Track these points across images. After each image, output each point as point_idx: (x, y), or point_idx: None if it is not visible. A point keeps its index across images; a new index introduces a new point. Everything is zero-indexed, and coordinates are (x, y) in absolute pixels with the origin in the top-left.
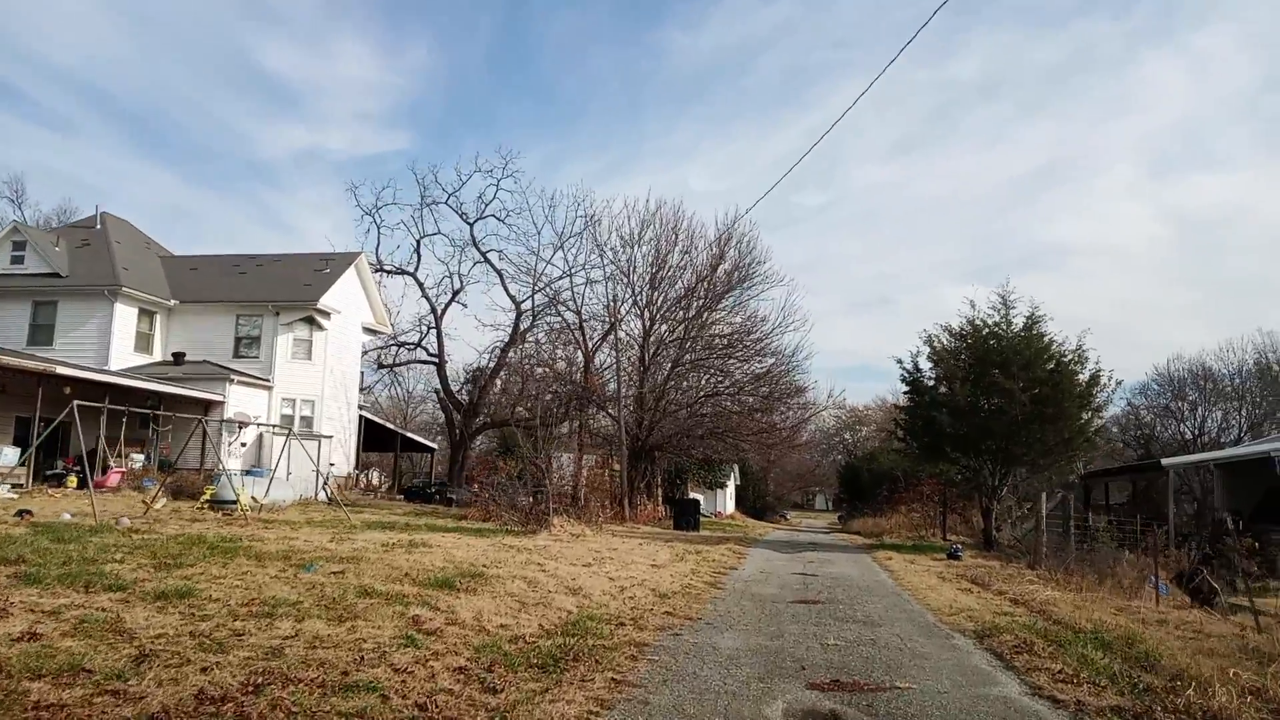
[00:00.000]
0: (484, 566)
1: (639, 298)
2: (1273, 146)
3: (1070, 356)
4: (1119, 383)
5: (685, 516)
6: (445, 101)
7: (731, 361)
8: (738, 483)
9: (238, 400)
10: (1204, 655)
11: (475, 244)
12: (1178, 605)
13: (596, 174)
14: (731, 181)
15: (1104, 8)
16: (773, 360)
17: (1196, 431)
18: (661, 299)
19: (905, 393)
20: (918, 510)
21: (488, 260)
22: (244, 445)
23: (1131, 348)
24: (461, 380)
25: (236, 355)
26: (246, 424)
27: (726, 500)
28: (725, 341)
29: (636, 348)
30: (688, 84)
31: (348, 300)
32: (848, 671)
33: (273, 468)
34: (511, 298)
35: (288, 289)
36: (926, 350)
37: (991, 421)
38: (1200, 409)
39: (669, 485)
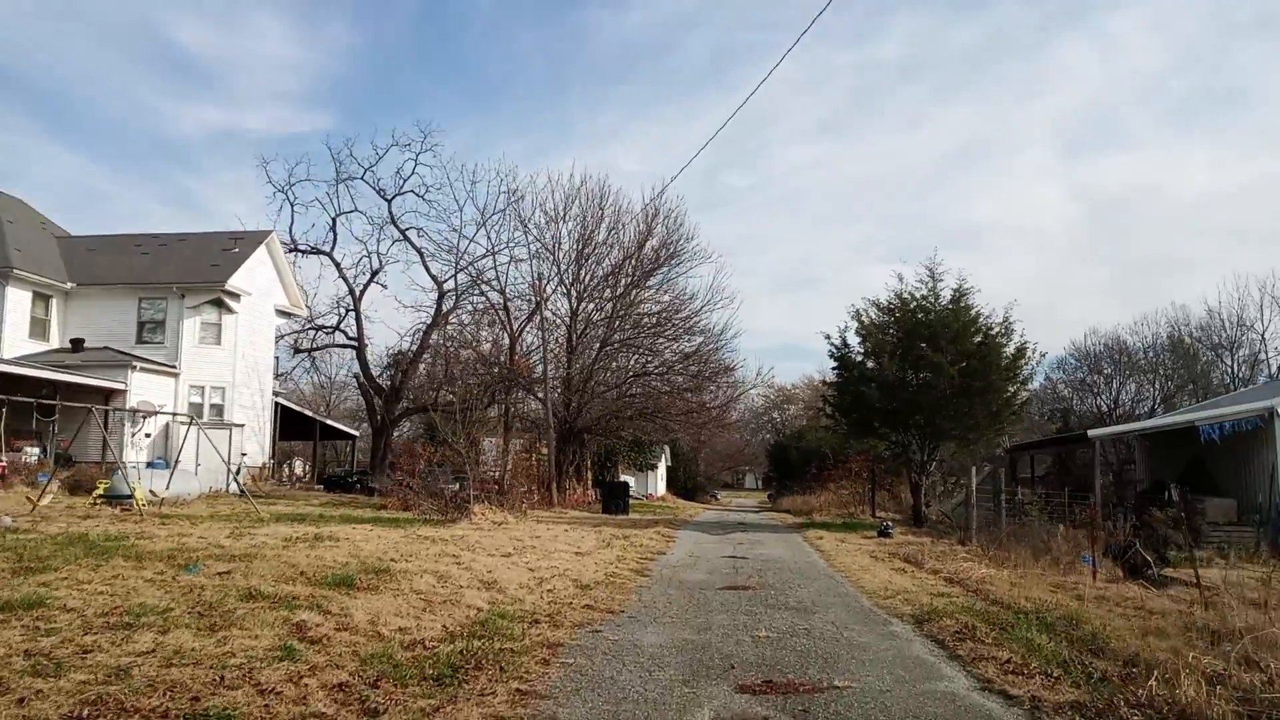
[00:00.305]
0: (392, 561)
1: (565, 276)
2: (1179, 127)
3: (997, 329)
4: (1043, 355)
5: (614, 500)
6: (367, 80)
7: (660, 340)
8: (669, 464)
9: (141, 388)
10: (1154, 636)
11: (394, 221)
12: (1111, 579)
13: (522, 155)
14: (660, 163)
15: None
16: (701, 339)
17: (1112, 404)
18: (589, 277)
19: (834, 369)
20: (846, 487)
21: (407, 238)
22: (149, 436)
23: (1050, 325)
24: (383, 364)
25: (140, 341)
26: (149, 413)
27: (658, 482)
28: (654, 320)
29: (563, 328)
30: (613, 64)
31: (259, 281)
32: (781, 669)
33: (179, 459)
34: (433, 277)
35: (194, 270)
36: (855, 325)
37: (920, 396)
38: (1115, 382)
39: (599, 468)
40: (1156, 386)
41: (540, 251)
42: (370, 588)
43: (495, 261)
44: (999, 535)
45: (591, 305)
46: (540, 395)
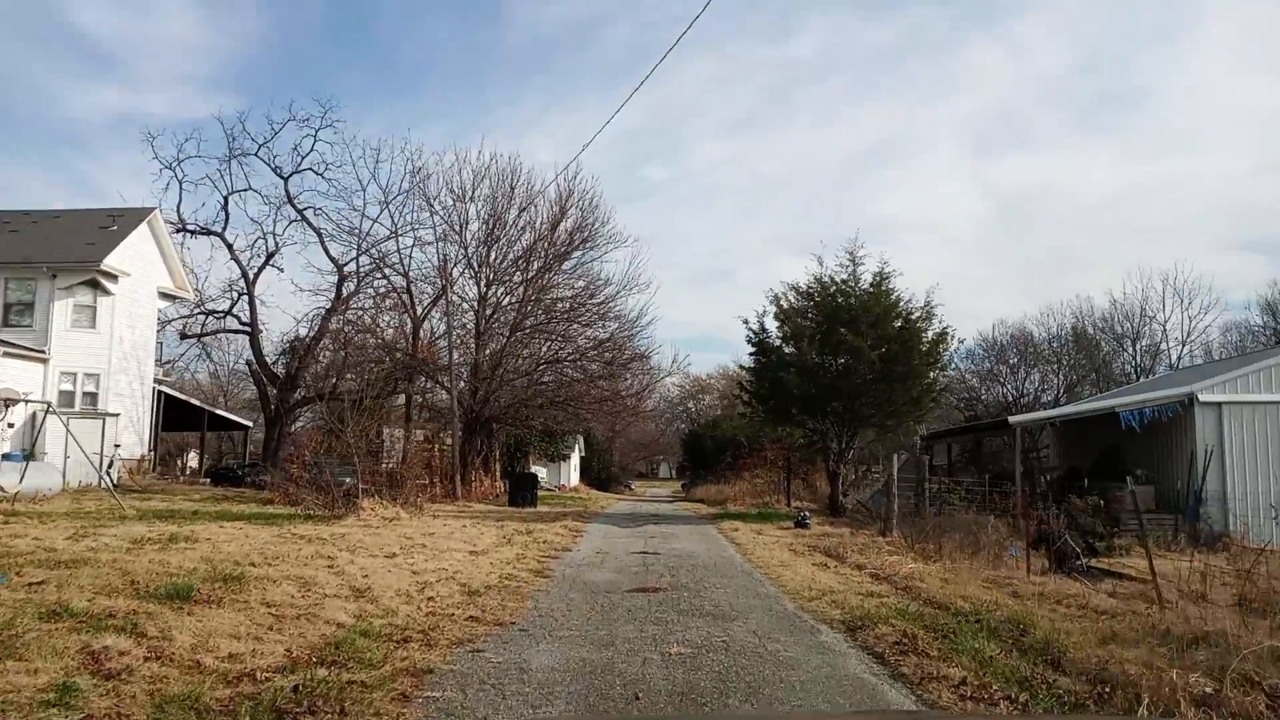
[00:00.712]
0: (252, 565)
1: (473, 259)
2: (1080, 128)
3: (918, 313)
4: (961, 341)
5: (521, 492)
6: (276, 65)
7: (574, 326)
8: (583, 454)
9: (5, 375)
10: (1115, 644)
11: (291, 201)
12: (1040, 572)
13: (439, 143)
14: (577, 153)
15: None
16: (616, 325)
17: (1018, 394)
18: (500, 259)
19: (752, 354)
20: (761, 476)
21: (305, 218)
22: (11, 426)
23: (959, 318)
24: (279, 351)
25: (6, 324)
26: (11, 401)
27: (571, 472)
28: (567, 305)
29: (471, 313)
30: (531, 54)
31: (140, 262)
32: (697, 696)
33: (46, 451)
34: (333, 260)
35: (67, 248)
36: (773, 310)
37: (839, 382)
38: (1021, 372)
39: (509, 459)
40: (1060, 376)
41: (447, 233)
42: (212, 600)
43: (398, 243)
44: (923, 526)
45: (501, 289)
46: (445, 383)
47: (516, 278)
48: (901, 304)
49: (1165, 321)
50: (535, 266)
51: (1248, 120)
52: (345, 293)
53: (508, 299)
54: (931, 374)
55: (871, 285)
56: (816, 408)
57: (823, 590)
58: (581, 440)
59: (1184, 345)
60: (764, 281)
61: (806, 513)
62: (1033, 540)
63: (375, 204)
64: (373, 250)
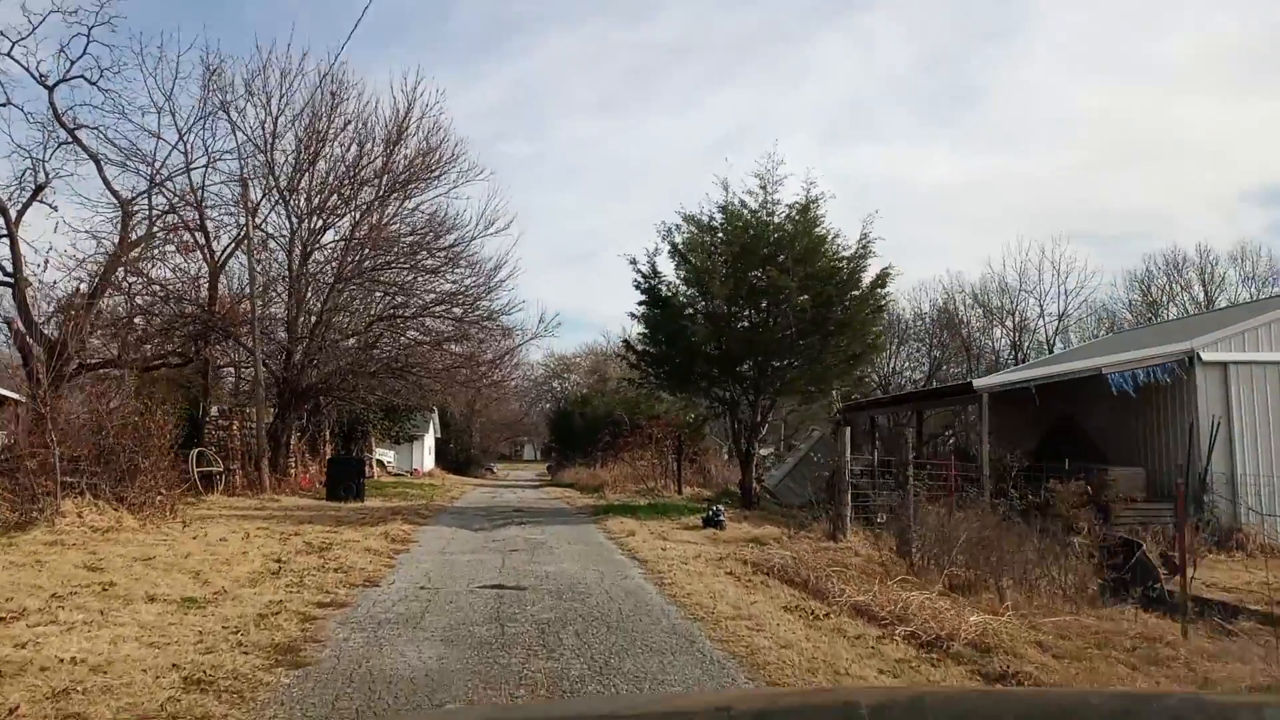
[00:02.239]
0: None
1: (282, 183)
2: (923, 122)
3: (855, 248)
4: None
5: (343, 482)
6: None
7: (417, 278)
8: (438, 435)
9: None
10: None
11: (59, 117)
12: (1111, 608)
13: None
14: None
15: None
16: (469, 274)
17: (889, 371)
18: (319, 188)
19: (640, 303)
20: (644, 458)
21: (77, 139)
22: None
23: None
24: (51, 310)
25: None
26: None
27: (424, 455)
28: (408, 247)
29: (282, 253)
30: (385, 25)
31: None
32: None
33: None
34: (114, 193)
35: None
36: (666, 248)
37: (756, 335)
38: (889, 349)
39: (344, 441)
40: (928, 354)
41: (251, 152)
42: None
43: (189, 161)
44: (904, 527)
45: (320, 222)
46: (247, 343)
47: (341, 211)
48: (832, 237)
49: (1043, 297)
50: (364, 196)
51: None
52: (134, 235)
53: (331, 238)
54: (875, 325)
55: (796, 213)
56: (726, 369)
57: (832, 672)
58: (436, 420)
59: (1059, 321)
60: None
61: (720, 507)
62: (1107, 556)
63: (170, 125)
64: (162, 178)
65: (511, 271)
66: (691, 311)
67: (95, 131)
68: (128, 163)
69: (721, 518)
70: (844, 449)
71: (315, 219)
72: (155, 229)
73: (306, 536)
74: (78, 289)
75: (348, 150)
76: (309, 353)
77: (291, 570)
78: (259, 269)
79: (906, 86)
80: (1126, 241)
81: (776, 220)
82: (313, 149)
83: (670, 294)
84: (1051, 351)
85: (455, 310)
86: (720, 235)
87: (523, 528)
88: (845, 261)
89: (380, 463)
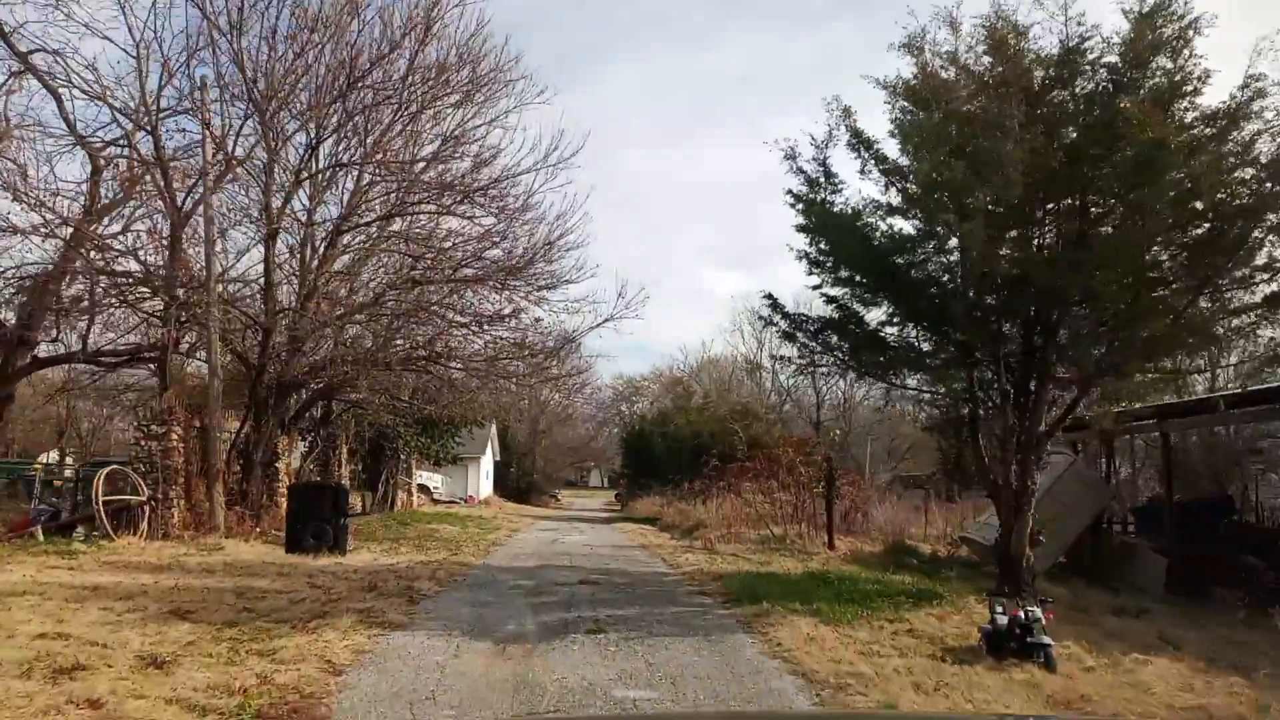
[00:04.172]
0: None
1: (258, 96)
2: None
3: (1234, 100)
4: None
5: (311, 522)
6: None
7: (450, 222)
8: (497, 458)
9: None
10: None
11: (4, 38)
12: None
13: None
14: None
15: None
16: (524, 227)
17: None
18: (306, 98)
19: (800, 227)
20: (765, 492)
21: (29, 66)
22: None
23: None
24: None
25: None
26: None
27: (480, 480)
28: (436, 172)
29: (258, 189)
30: None
31: None
32: None
33: None
34: (78, 137)
35: None
36: (845, 134)
37: (1078, 257)
38: None
39: (371, 461)
40: None
41: (211, 43)
42: None
43: (142, 79)
44: None
45: (311, 142)
46: (198, 310)
47: (340, 126)
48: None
49: None
50: (385, 120)
51: None
52: (104, 194)
53: (328, 171)
54: None
55: (1131, 29)
56: (998, 328)
57: None
58: (495, 440)
59: None
60: (687, 293)
61: (1034, 614)
62: None
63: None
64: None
65: (582, 218)
66: (915, 228)
67: (55, 57)
68: (93, 86)
69: (1043, 641)
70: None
71: (305, 138)
72: (105, 169)
73: (147, 644)
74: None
75: (354, 44)
76: (295, 330)
77: None
78: (224, 211)
79: None
80: None
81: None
82: (302, 39)
83: (875, 208)
84: None
85: (498, 257)
86: (963, 91)
87: (598, 641)
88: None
89: (425, 489)
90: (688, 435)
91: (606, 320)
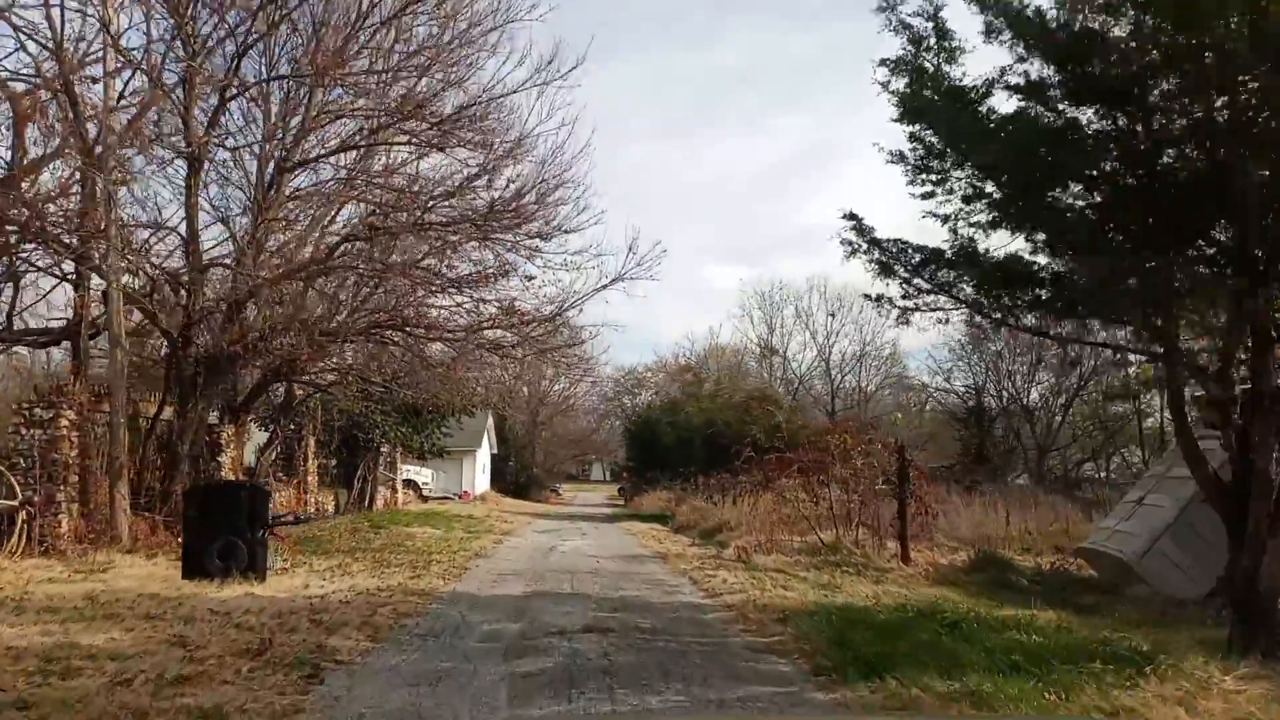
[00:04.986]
0: None
1: None
2: None
3: None
4: None
5: (216, 534)
6: None
7: (421, 130)
8: (494, 451)
9: None
10: None
11: None
12: None
13: None
14: None
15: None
16: (511, 160)
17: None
18: None
19: (902, 111)
20: (804, 489)
21: None
22: None
23: None
24: None
25: None
26: None
27: (476, 475)
28: (402, 87)
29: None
30: None
31: None
32: None
33: None
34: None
35: None
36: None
37: None
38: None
39: (347, 455)
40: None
41: None
42: None
43: None
44: None
45: (238, 46)
46: (77, 247)
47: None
48: None
49: None
50: (327, 25)
51: None
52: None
53: (262, 85)
54: None
55: None
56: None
57: None
58: (492, 433)
59: None
60: (689, 289)
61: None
62: None
63: None
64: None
65: (582, 148)
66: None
67: None
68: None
69: None
70: None
71: (234, 46)
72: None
73: None
74: None
75: None
76: (231, 296)
77: None
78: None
79: None
80: None
81: None
82: None
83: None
84: None
85: (480, 200)
86: None
87: None
88: None
89: (413, 485)
90: (699, 424)
91: (615, 280)
